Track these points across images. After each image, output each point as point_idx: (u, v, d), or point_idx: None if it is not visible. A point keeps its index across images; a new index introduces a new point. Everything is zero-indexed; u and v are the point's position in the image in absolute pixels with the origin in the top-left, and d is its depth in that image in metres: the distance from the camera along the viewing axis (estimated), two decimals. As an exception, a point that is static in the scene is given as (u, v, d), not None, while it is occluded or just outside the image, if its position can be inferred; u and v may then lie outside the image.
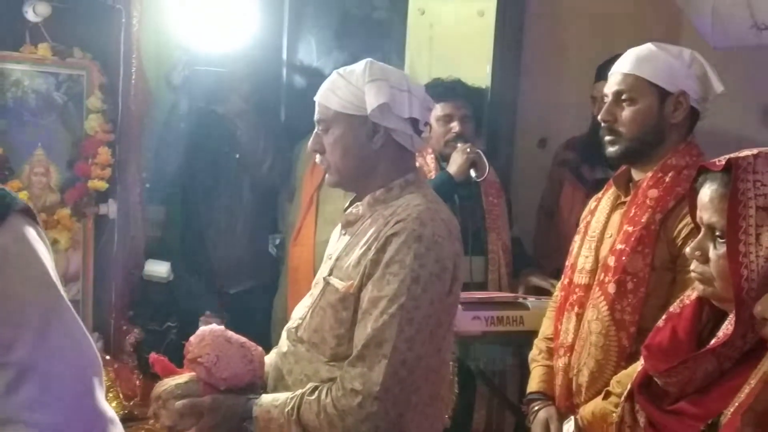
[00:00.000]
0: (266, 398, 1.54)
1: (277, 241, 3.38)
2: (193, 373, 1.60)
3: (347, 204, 1.67)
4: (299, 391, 1.50)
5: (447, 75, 2.79)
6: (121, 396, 2.41)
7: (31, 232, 0.99)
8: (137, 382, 2.46)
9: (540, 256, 2.95)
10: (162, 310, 2.71)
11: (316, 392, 1.47)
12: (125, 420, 2.34)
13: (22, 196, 2.32)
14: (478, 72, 2.90)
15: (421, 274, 1.43)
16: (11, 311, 0.94)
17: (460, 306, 2.25)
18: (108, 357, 2.49)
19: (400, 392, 1.43)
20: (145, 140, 2.65)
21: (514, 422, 2.59)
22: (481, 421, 2.74)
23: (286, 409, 1.48)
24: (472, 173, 2.60)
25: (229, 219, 3.04)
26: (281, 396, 1.52)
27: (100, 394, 1.00)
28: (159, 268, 2.64)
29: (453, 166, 2.61)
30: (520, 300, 2.41)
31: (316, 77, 3.08)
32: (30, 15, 2.33)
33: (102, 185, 2.52)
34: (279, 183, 3.15)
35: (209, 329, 1.62)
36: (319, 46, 3.50)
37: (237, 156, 3.02)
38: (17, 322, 0.94)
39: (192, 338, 1.62)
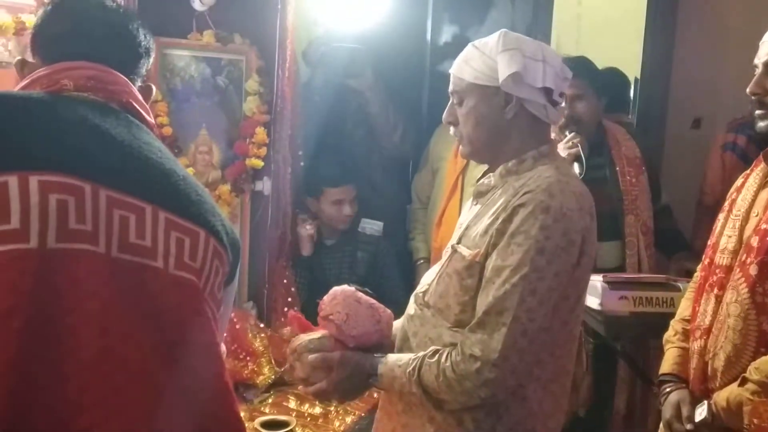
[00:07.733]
0: (391, 357, 1.57)
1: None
2: (326, 330, 1.66)
3: (480, 176, 1.67)
4: (421, 353, 1.51)
5: (595, 52, 2.71)
6: (273, 362, 2.55)
7: None
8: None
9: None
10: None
11: (437, 355, 1.48)
12: (276, 384, 2.51)
13: (189, 172, 2.55)
14: (629, 48, 2.79)
15: (547, 245, 1.41)
16: None
17: (606, 285, 2.23)
18: (262, 325, 2.65)
19: (520, 362, 1.43)
20: (296, 121, 2.80)
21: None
22: (621, 405, 2.67)
23: (408, 369, 1.50)
24: (576, 168, 2.36)
25: (365, 189, 3.10)
26: (405, 356, 1.55)
27: None
28: (374, 225, 3.02)
29: None
30: (671, 282, 2.32)
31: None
32: (197, 4, 2.56)
33: (258, 163, 2.70)
34: (410, 154, 3.19)
35: (341, 289, 1.67)
36: (463, 28, 3.50)
37: (367, 128, 3.11)
38: None
39: (325, 297, 1.68)
